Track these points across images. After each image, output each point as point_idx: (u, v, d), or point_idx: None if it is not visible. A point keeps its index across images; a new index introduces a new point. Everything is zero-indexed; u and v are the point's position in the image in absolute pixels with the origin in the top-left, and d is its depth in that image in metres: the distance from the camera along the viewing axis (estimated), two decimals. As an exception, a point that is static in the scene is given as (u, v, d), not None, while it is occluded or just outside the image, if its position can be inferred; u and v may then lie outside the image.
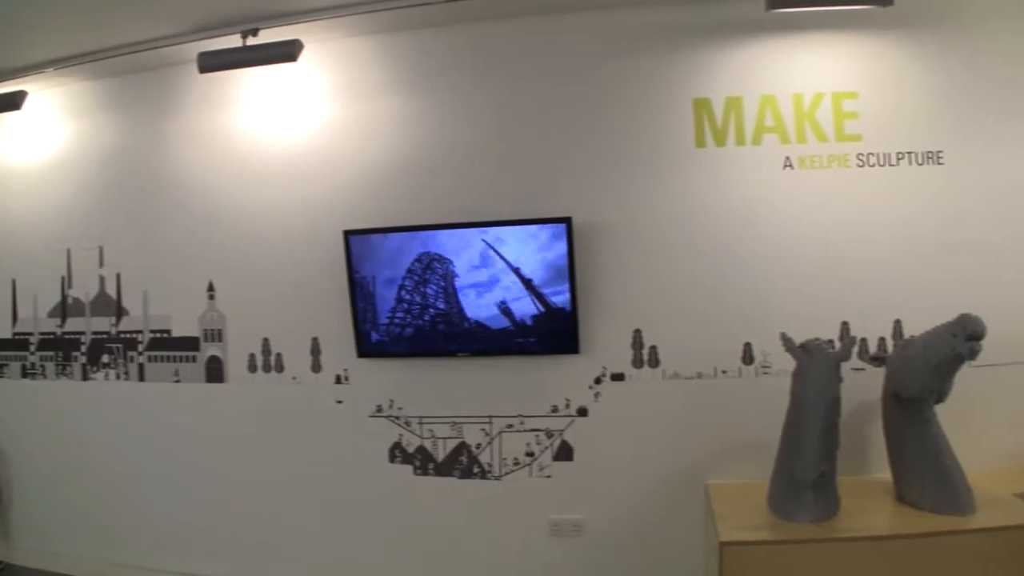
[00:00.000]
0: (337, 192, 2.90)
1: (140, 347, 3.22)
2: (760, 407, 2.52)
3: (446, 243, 2.70)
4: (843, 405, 2.22)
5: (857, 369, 2.50)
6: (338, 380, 2.97)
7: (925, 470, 2.22)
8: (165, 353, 3.18)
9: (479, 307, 2.70)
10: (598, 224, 2.67)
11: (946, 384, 2.19)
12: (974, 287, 2.46)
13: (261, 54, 2.64)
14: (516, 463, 2.84)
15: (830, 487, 2.24)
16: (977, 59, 2.51)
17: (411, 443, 2.92)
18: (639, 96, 2.67)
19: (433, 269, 2.72)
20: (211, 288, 3.10)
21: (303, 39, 2.65)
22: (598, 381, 2.74)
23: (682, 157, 2.65)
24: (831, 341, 2.53)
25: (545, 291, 2.64)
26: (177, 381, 3.17)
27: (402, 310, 2.76)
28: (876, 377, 2.38)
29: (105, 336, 3.28)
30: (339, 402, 2.97)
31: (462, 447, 2.88)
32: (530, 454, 2.82)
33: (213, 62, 2.70)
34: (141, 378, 3.23)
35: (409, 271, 2.74)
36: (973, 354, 2.07)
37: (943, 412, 2.23)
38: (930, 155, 2.54)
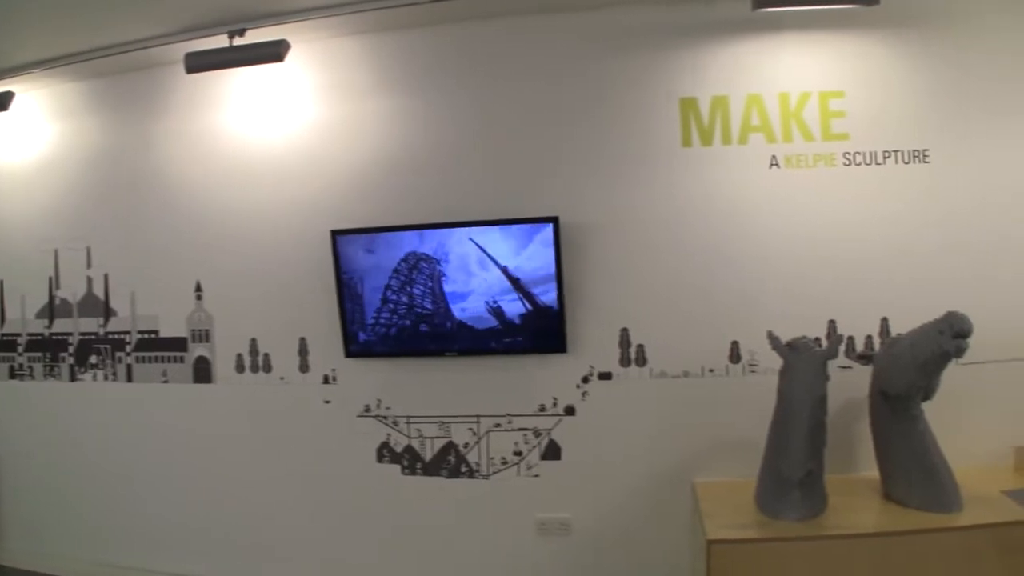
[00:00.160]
0: (324, 192, 2.89)
1: (128, 348, 3.21)
2: (747, 405, 2.52)
3: (433, 243, 2.69)
4: (830, 403, 2.22)
5: (844, 367, 2.49)
6: (326, 380, 2.96)
7: (912, 468, 2.21)
8: (153, 354, 3.17)
9: (466, 306, 2.70)
10: (585, 223, 2.67)
11: (933, 382, 2.19)
12: (961, 285, 2.47)
13: (248, 54, 2.64)
14: (504, 462, 2.83)
15: (817, 485, 2.24)
16: (963, 58, 2.52)
17: (399, 443, 2.92)
18: (625, 95, 2.67)
19: (420, 269, 2.72)
20: (199, 288, 3.09)
21: (290, 39, 2.65)
22: (585, 380, 2.73)
23: (668, 156, 2.65)
24: (818, 339, 2.53)
25: (533, 290, 2.64)
26: (165, 382, 3.16)
27: (388, 310, 2.76)
28: (863, 375, 2.37)
29: (93, 337, 3.27)
30: (327, 402, 2.97)
31: (450, 447, 2.87)
32: (518, 453, 2.82)
33: (200, 62, 2.69)
34: (129, 379, 3.21)
35: (396, 271, 2.73)
36: (960, 352, 2.07)
37: (930, 410, 2.23)
38: (916, 154, 2.54)
